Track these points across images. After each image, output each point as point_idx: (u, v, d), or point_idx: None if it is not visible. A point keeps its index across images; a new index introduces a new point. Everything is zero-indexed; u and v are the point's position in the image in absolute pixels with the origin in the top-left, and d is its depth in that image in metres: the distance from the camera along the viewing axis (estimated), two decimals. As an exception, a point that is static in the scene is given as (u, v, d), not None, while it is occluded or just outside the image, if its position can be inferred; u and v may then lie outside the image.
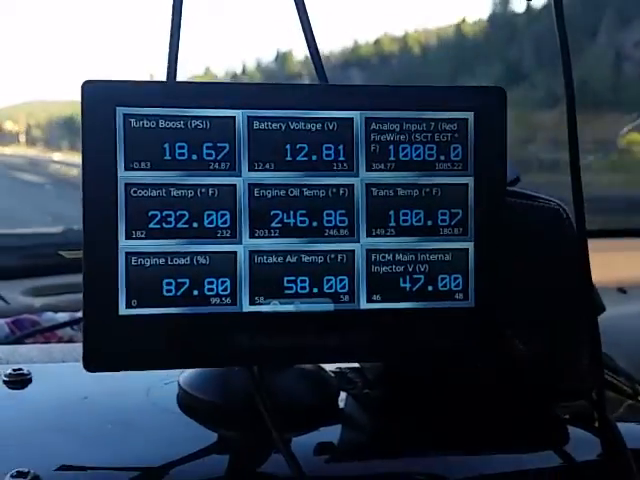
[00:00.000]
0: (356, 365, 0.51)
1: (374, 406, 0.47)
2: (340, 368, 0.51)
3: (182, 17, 0.40)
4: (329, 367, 0.49)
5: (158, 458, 0.39)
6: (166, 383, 0.46)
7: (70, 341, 0.71)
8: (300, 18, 0.42)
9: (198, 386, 0.44)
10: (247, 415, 0.40)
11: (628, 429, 0.47)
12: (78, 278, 0.38)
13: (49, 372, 0.50)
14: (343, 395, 0.47)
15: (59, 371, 0.50)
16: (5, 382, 0.46)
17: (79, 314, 0.71)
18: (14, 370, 0.47)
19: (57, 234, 1.00)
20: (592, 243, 1.25)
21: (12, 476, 0.36)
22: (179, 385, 0.45)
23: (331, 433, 0.44)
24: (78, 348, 0.39)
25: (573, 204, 0.45)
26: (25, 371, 0.47)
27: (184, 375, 0.45)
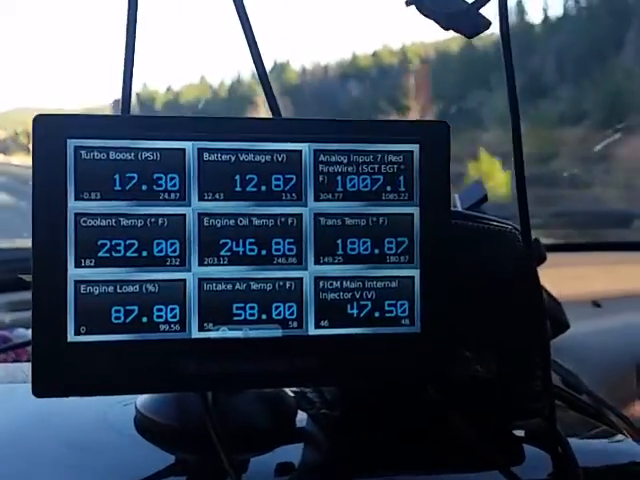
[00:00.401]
0: None
1: (332, 426, 0.48)
2: (299, 389, 0.52)
3: (135, 51, 0.41)
4: (288, 388, 0.50)
5: None
6: (124, 405, 0.47)
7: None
8: (251, 54, 0.43)
9: (155, 409, 0.44)
10: (203, 438, 0.41)
11: (585, 447, 0.48)
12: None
13: (8, 393, 0.50)
14: (302, 415, 0.48)
15: (18, 392, 0.51)
16: None
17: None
18: None
19: (28, 249, 1.00)
20: (569, 257, 1.25)
21: None
22: (136, 408, 0.45)
23: (289, 453, 0.44)
24: None
25: (520, 229, 0.45)
26: (-16, 392, 0.48)
27: (141, 398, 0.46)
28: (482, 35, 0.44)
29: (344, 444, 0.47)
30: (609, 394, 0.70)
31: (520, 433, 0.50)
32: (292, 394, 0.49)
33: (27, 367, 0.58)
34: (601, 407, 0.63)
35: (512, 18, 0.45)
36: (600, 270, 1.23)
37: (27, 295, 0.96)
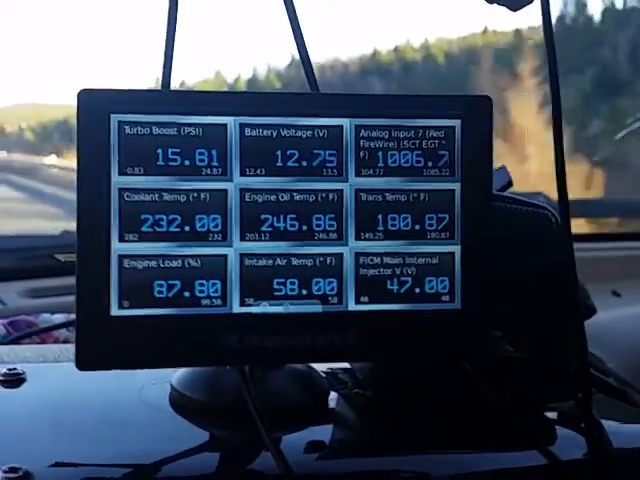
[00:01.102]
0: (347, 366, 0.52)
1: (364, 406, 0.48)
2: (331, 369, 0.52)
3: (177, 26, 0.41)
4: (320, 368, 0.50)
5: (149, 456, 0.40)
6: (158, 383, 0.47)
7: (66, 342, 0.72)
8: (292, 26, 0.43)
9: (190, 386, 0.44)
10: (238, 414, 0.41)
11: (617, 429, 0.48)
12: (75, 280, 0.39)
13: (43, 372, 0.50)
14: (334, 395, 0.48)
15: (53, 371, 0.51)
16: (0, 381, 0.47)
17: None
18: (9, 370, 0.48)
19: (54, 236, 1.01)
20: (588, 247, 1.25)
21: (4, 471, 0.36)
22: (171, 385, 0.45)
23: (322, 432, 0.44)
24: (71, 349, 0.40)
25: (559, 211, 0.45)
26: (19, 370, 0.48)
27: (176, 375, 0.46)
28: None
29: (376, 424, 0.47)
30: (636, 379, 0.70)
31: (554, 415, 0.50)
32: (324, 374, 0.49)
33: (57, 348, 0.59)
34: (629, 390, 0.63)
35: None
36: (618, 260, 1.23)
37: (51, 281, 0.97)
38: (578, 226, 1.36)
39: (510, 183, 0.71)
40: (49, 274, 0.95)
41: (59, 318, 0.77)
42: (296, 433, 0.44)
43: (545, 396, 0.50)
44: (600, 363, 0.68)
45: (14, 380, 0.47)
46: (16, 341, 0.70)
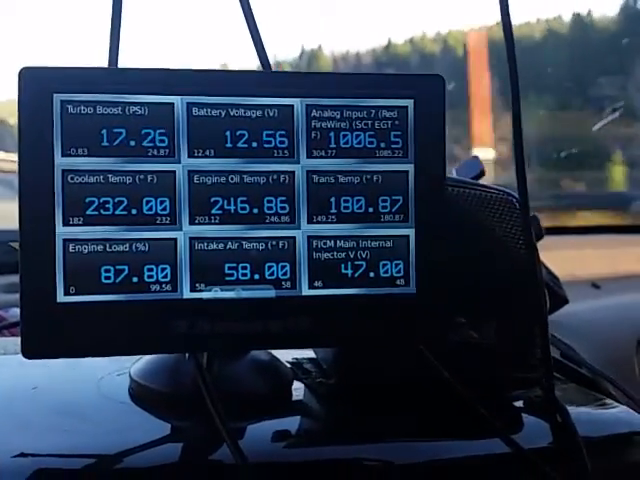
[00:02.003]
0: (311, 355, 0.52)
1: (327, 395, 0.47)
2: (296, 358, 0.52)
3: (122, 3, 0.40)
4: (284, 357, 0.49)
5: (108, 447, 0.39)
6: (118, 374, 0.46)
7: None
8: (241, 3, 0.42)
9: (149, 377, 0.44)
10: (198, 404, 0.40)
11: (585, 417, 0.47)
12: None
13: (2, 364, 0.50)
14: (298, 384, 0.47)
15: (10, 362, 0.50)
16: None
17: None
18: None
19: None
20: (568, 239, 1.25)
21: None
22: (130, 376, 0.44)
23: (285, 421, 0.44)
24: None
25: (519, 196, 0.45)
26: (-24, 362, 0.47)
27: (136, 366, 0.45)
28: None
29: (340, 412, 0.46)
30: (610, 369, 0.70)
31: (519, 403, 0.50)
32: (288, 364, 0.49)
33: (16, 341, 0.58)
34: (600, 379, 0.63)
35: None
36: (599, 253, 1.23)
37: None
38: (561, 218, 1.36)
39: (482, 172, 0.71)
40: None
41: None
42: (259, 423, 0.43)
43: (510, 383, 0.49)
44: (572, 352, 0.67)
45: None
46: (-16, 335, 0.69)
